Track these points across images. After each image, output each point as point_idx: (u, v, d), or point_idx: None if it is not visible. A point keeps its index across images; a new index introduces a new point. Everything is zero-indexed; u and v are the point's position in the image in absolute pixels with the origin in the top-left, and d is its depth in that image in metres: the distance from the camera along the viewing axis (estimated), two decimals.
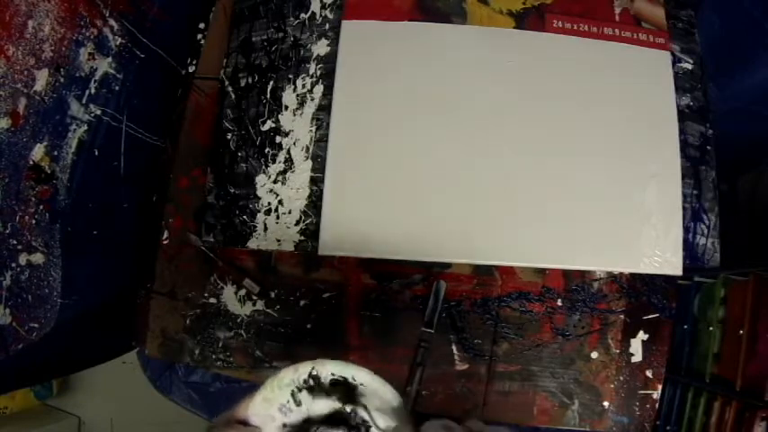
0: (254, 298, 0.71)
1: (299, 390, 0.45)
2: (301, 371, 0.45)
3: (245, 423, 0.43)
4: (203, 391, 0.76)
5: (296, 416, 0.45)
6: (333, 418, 0.44)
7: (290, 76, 0.66)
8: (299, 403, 0.45)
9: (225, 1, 0.74)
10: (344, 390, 0.45)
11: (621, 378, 0.69)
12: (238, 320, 0.71)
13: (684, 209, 0.62)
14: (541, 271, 0.70)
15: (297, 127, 0.65)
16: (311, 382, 0.45)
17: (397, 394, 0.45)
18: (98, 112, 0.63)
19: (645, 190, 0.62)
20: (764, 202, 0.84)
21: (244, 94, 0.67)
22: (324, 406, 0.44)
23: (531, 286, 0.70)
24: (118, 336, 0.76)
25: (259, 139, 0.66)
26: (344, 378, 0.45)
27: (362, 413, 0.44)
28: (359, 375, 0.45)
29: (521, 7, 0.66)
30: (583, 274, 0.70)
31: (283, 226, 0.64)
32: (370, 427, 0.44)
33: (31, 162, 0.57)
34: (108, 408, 1.42)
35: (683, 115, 0.64)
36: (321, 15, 0.67)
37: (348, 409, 0.44)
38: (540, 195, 0.62)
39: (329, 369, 0.45)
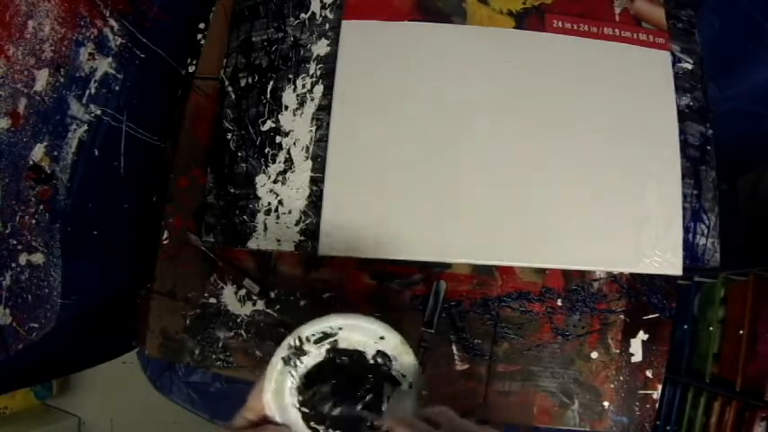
0: (254, 298, 0.71)
1: (293, 362, 0.47)
2: (284, 347, 0.47)
3: (269, 422, 0.45)
4: (203, 391, 0.76)
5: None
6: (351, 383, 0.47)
7: (290, 76, 0.66)
8: (299, 371, 0.47)
9: (225, 1, 0.74)
10: (330, 341, 0.47)
11: (621, 378, 0.69)
12: (238, 320, 0.71)
13: (684, 209, 0.62)
14: (541, 271, 0.70)
15: (297, 127, 0.65)
16: (296, 349, 0.47)
17: (376, 320, 0.47)
18: (98, 112, 0.63)
19: (645, 190, 0.62)
20: (764, 202, 0.84)
21: (244, 94, 0.67)
22: (317, 354, 0.47)
23: (531, 286, 0.70)
24: (118, 336, 0.76)
25: (259, 139, 0.66)
26: (324, 332, 0.47)
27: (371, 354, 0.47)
28: (333, 322, 0.47)
29: (521, 7, 0.66)
30: (583, 274, 0.70)
31: (283, 226, 0.64)
32: (388, 360, 0.47)
33: (31, 162, 0.57)
34: (108, 408, 1.43)
35: (683, 115, 0.64)
36: (321, 15, 0.67)
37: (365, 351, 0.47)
38: (539, 195, 0.62)
39: (306, 331, 0.47)
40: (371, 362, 0.48)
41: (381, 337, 0.47)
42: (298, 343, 0.47)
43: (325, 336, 0.47)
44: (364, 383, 0.47)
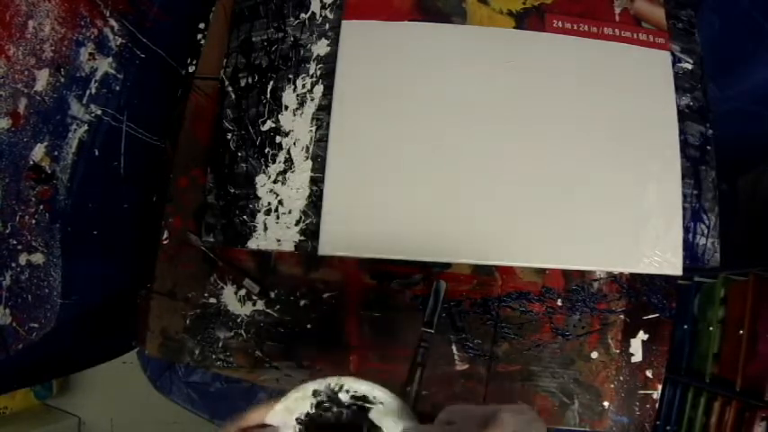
0: (254, 298, 0.71)
1: (320, 400, 0.46)
2: (324, 382, 0.46)
3: (261, 427, 0.44)
4: (203, 391, 0.76)
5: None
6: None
7: (290, 76, 0.66)
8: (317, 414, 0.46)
9: (225, 1, 0.74)
10: (361, 407, 0.46)
11: (621, 378, 0.69)
12: (238, 320, 0.71)
13: (684, 209, 0.62)
14: (541, 271, 0.70)
15: (297, 127, 0.65)
16: (332, 392, 0.46)
17: (414, 416, 0.46)
18: (98, 113, 0.63)
19: (645, 190, 0.62)
20: (764, 202, 0.84)
21: (244, 94, 0.67)
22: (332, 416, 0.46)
23: (531, 286, 0.70)
24: (118, 336, 0.76)
25: (259, 139, 0.66)
26: (365, 396, 0.46)
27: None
28: (380, 395, 0.46)
29: (521, 7, 0.66)
30: (583, 274, 0.70)
31: (283, 226, 0.64)
32: None
33: (32, 162, 0.57)
34: (108, 408, 1.42)
35: (683, 115, 0.64)
36: (321, 15, 0.67)
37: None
38: (539, 195, 0.62)
39: (353, 385, 0.46)
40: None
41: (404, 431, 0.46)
42: (337, 389, 0.46)
43: (365, 399, 0.47)
44: None
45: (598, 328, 0.69)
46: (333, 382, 0.46)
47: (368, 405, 0.47)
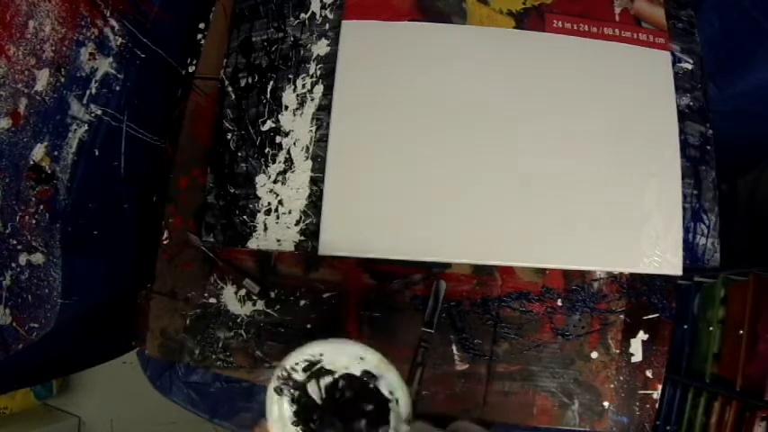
0: (254, 298, 0.71)
1: (286, 392, 0.49)
2: (274, 379, 0.49)
3: None
4: (203, 391, 0.76)
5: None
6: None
7: (290, 76, 0.66)
8: (297, 399, 0.49)
9: (225, 1, 0.74)
10: (315, 367, 0.50)
11: (621, 378, 0.69)
12: (238, 320, 0.71)
13: (684, 209, 0.62)
14: (541, 271, 0.70)
15: (297, 127, 0.65)
16: (285, 379, 0.49)
17: (353, 342, 0.50)
18: (98, 112, 0.63)
19: (645, 190, 0.62)
20: (764, 202, 0.84)
21: (244, 94, 0.67)
22: (312, 389, 0.50)
23: (531, 286, 0.70)
24: (118, 336, 0.76)
25: (259, 139, 0.66)
26: (308, 360, 0.49)
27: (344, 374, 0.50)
28: (313, 349, 0.49)
29: (521, 7, 0.66)
30: (583, 274, 0.70)
31: (283, 226, 0.64)
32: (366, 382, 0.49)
33: (32, 162, 0.57)
34: (108, 408, 1.42)
35: (683, 115, 0.64)
36: (321, 15, 0.67)
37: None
38: (539, 195, 0.62)
39: (290, 361, 0.49)
40: (360, 378, 0.49)
41: (361, 358, 0.49)
42: (285, 373, 0.49)
43: (311, 363, 0.49)
44: (362, 404, 0.49)
45: (598, 328, 0.69)
46: (279, 372, 0.49)
47: (317, 365, 0.49)
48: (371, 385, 0.49)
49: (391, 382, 0.49)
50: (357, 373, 0.49)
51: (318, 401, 0.49)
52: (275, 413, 0.48)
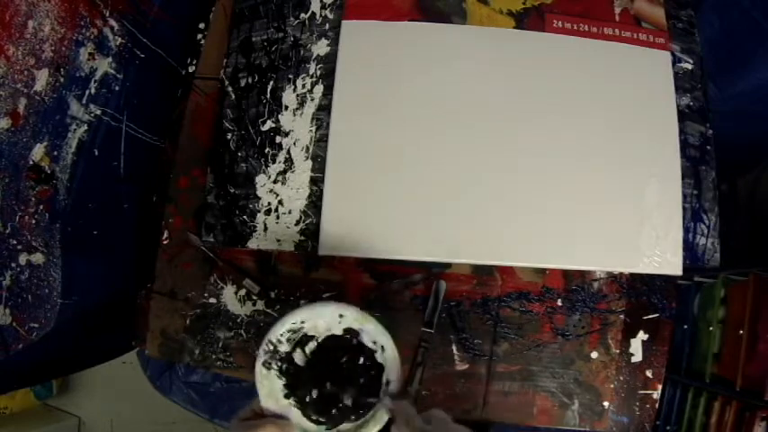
0: (254, 298, 0.71)
1: (274, 365, 0.50)
2: (261, 354, 0.50)
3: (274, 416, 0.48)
4: (203, 391, 0.76)
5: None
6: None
7: (290, 76, 0.66)
8: (284, 370, 0.50)
9: (225, 1, 0.74)
10: (298, 335, 0.51)
11: (621, 378, 0.69)
12: (238, 320, 0.71)
13: (684, 209, 0.62)
14: (541, 271, 0.70)
15: (297, 127, 0.65)
16: (272, 353, 0.50)
17: (328, 303, 0.51)
18: (98, 112, 0.63)
19: (645, 190, 0.62)
20: (764, 202, 0.84)
21: (244, 94, 0.67)
22: (298, 358, 0.51)
23: (531, 286, 0.70)
24: (118, 336, 0.76)
25: (259, 139, 0.66)
26: (290, 329, 0.50)
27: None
28: (293, 318, 0.50)
29: (521, 7, 0.66)
30: (583, 274, 0.70)
31: (283, 226, 0.64)
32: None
33: (31, 162, 0.57)
34: (108, 408, 1.42)
35: (683, 115, 0.64)
36: (321, 15, 0.67)
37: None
38: (539, 195, 0.62)
39: (274, 334, 0.50)
40: (343, 336, 0.51)
41: (341, 315, 0.51)
42: (271, 347, 0.50)
43: (294, 332, 0.50)
44: (351, 366, 0.50)
45: (598, 328, 0.69)
46: (264, 346, 0.50)
47: (301, 332, 0.51)
48: (354, 341, 0.50)
49: (372, 332, 0.50)
50: (339, 332, 0.51)
51: (306, 368, 0.50)
52: (266, 388, 0.48)
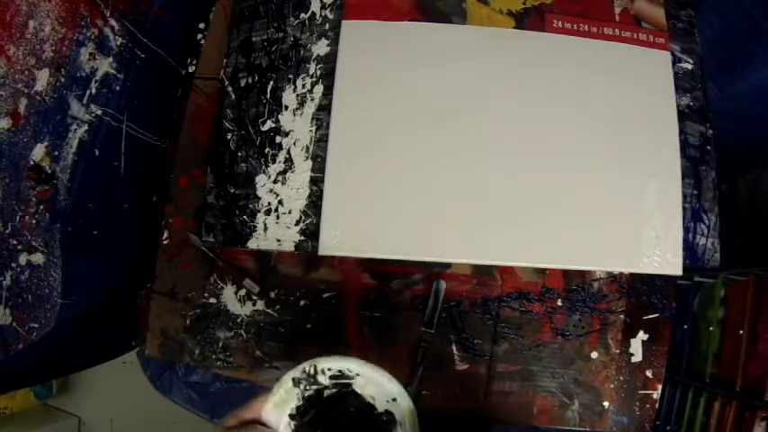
0: (254, 298, 0.71)
1: (303, 386, 0.47)
2: (299, 369, 0.47)
3: (260, 423, 0.45)
4: (203, 391, 0.76)
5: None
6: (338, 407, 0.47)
7: (290, 76, 0.66)
8: (306, 403, 0.47)
9: (225, 1, 0.74)
10: (343, 384, 0.47)
11: (621, 378, 0.69)
12: (238, 320, 0.71)
13: (684, 209, 0.62)
14: (541, 271, 0.70)
15: (297, 127, 0.65)
16: (309, 376, 0.47)
17: (395, 381, 0.47)
18: (99, 112, 0.63)
19: (645, 190, 0.62)
20: (764, 202, 0.84)
21: (244, 94, 0.67)
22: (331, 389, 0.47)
23: (531, 286, 0.70)
24: (118, 336, 0.76)
25: (259, 139, 0.66)
26: (341, 371, 0.47)
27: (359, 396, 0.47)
28: (353, 366, 0.47)
29: (521, 7, 0.66)
30: (583, 274, 0.70)
31: (283, 226, 0.64)
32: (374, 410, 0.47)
33: (32, 162, 0.57)
34: (108, 408, 1.43)
35: (683, 115, 0.64)
36: (321, 15, 0.67)
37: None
38: (539, 195, 0.62)
39: (324, 363, 0.47)
40: (379, 415, 0.47)
41: (394, 399, 0.47)
42: (313, 371, 0.47)
43: (342, 375, 0.47)
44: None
45: (598, 328, 0.69)
46: (307, 366, 0.47)
47: (347, 381, 0.47)
48: (386, 426, 0.47)
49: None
50: (379, 408, 0.47)
51: (325, 408, 0.47)
52: (281, 396, 0.46)
